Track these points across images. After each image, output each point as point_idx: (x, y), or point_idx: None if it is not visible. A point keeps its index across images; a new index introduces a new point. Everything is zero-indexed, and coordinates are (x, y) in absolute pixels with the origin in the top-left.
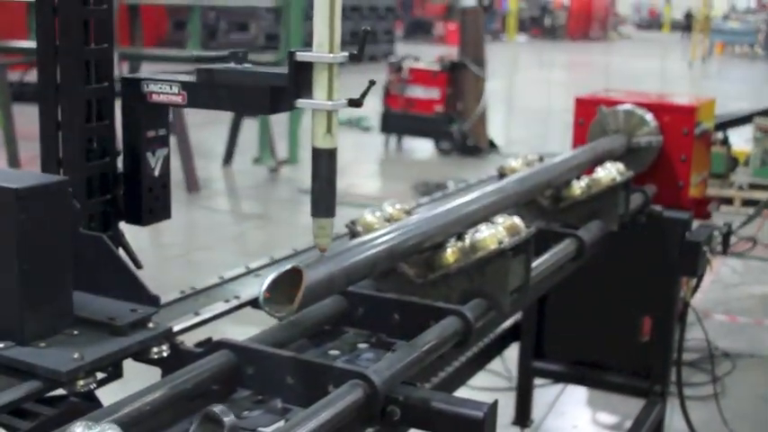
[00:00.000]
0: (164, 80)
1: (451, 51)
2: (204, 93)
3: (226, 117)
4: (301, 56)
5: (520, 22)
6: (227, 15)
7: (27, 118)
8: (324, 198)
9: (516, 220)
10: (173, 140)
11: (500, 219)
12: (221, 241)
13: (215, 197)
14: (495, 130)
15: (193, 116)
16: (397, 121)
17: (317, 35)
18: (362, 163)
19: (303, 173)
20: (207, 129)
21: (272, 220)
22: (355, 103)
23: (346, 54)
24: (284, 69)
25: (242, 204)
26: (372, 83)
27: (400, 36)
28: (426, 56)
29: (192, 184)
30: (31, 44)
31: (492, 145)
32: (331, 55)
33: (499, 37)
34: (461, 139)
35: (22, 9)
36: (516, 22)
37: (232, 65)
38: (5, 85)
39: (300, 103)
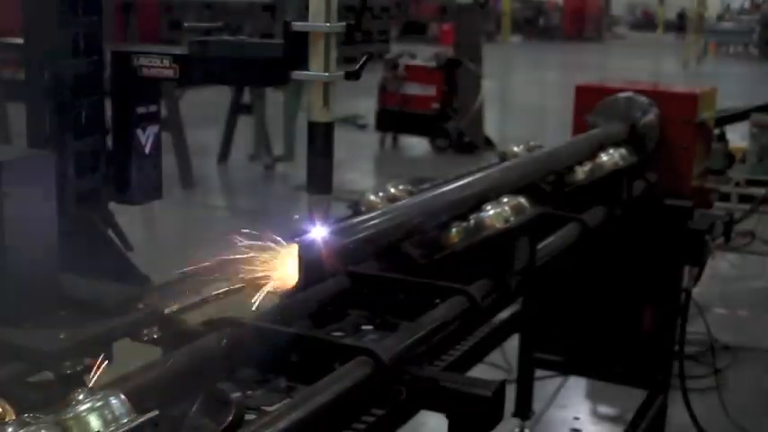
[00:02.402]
0: (155, 53)
1: (447, 51)
2: (197, 66)
3: (221, 114)
4: (297, 26)
5: (514, 23)
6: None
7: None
8: (320, 174)
9: (522, 199)
10: (168, 138)
11: (505, 198)
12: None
13: (210, 194)
14: (491, 128)
15: (190, 114)
16: (393, 119)
17: (312, 4)
18: (358, 160)
19: (299, 170)
20: (202, 126)
21: (268, 216)
22: (353, 74)
23: (344, 24)
24: (280, 41)
25: (237, 201)
26: (370, 55)
27: (395, 36)
28: (422, 55)
29: (188, 181)
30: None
31: (488, 142)
32: (328, 24)
33: (494, 38)
34: (457, 136)
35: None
36: (510, 22)
37: (226, 37)
38: None
39: (296, 74)
